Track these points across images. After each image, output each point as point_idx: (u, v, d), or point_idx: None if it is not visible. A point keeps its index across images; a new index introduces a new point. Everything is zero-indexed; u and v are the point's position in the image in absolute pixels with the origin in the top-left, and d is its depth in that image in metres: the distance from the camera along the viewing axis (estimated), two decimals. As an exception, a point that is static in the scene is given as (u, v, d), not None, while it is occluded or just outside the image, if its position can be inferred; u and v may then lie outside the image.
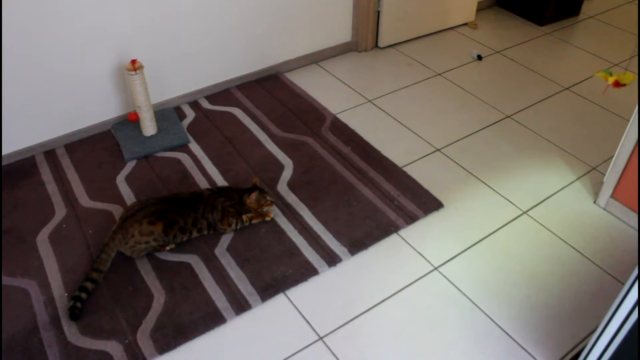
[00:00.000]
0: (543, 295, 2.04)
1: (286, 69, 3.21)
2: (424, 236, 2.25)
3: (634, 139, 2.21)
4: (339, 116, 2.87)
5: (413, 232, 2.26)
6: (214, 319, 1.91)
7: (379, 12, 3.33)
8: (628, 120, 2.88)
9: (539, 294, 2.05)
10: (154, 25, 2.61)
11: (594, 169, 2.60)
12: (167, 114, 2.80)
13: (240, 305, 1.95)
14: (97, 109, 2.66)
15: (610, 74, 2.07)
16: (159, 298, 1.97)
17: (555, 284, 2.08)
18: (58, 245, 2.15)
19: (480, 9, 3.93)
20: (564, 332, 1.93)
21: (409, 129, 2.81)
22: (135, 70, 2.45)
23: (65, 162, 2.53)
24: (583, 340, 1.90)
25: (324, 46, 3.32)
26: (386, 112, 2.92)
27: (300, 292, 2.02)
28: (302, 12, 3.08)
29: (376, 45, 3.49)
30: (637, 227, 2.30)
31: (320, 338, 1.89)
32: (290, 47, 3.18)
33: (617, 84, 2.05)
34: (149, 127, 2.64)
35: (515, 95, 3.10)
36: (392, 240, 2.22)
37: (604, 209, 2.39)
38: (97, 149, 2.62)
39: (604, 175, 2.47)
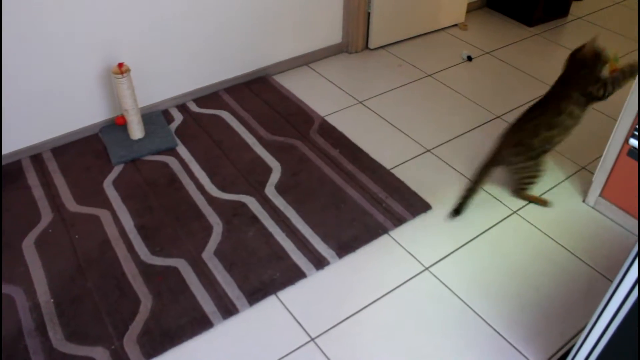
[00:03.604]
0: (533, 294, 2.04)
1: (276, 71, 3.20)
2: (415, 237, 2.24)
3: (621, 138, 2.21)
4: (328, 118, 2.86)
5: (403, 234, 2.25)
6: (202, 324, 1.89)
7: (369, 13, 3.33)
8: (616, 120, 2.87)
9: (529, 293, 2.04)
10: (142, 29, 2.59)
11: (583, 168, 2.60)
12: (155, 117, 2.78)
13: (228, 310, 1.93)
14: (84, 112, 2.65)
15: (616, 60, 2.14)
16: (146, 303, 1.95)
17: (545, 283, 2.08)
18: (44, 251, 2.13)
19: (470, 10, 3.93)
20: (554, 330, 1.92)
21: (400, 130, 2.80)
22: (122, 73, 2.44)
23: (52, 166, 2.51)
24: (573, 337, 1.90)
25: (314, 48, 3.31)
26: (376, 114, 2.92)
27: (289, 295, 2.01)
28: (292, 13, 3.07)
29: (366, 47, 3.49)
30: (625, 226, 2.30)
31: (312, 339, 1.88)
32: (280, 49, 3.17)
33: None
34: (136, 131, 2.63)
35: (505, 95, 3.10)
36: (382, 241, 2.21)
37: (593, 207, 2.39)
38: (84, 152, 2.60)
39: (593, 174, 2.47)
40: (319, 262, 2.10)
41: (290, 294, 2.02)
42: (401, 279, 2.08)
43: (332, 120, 2.85)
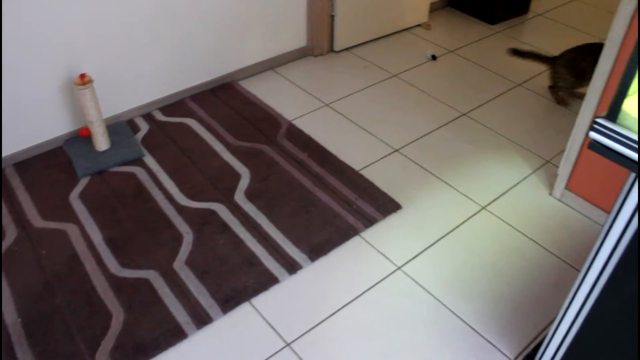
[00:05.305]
0: (505, 288, 2.06)
1: (242, 76, 3.19)
2: (386, 237, 2.25)
3: (583, 131, 2.26)
4: (295, 122, 2.86)
5: (374, 234, 2.25)
6: (175, 335, 1.87)
7: (333, 16, 3.34)
8: (577, 114, 2.94)
9: (501, 287, 2.06)
10: (103, 38, 2.56)
11: (548, 162, 2.64)
12: (120, 127, 2.74)
13: (202, 319, 1.91)
14: (46, 125, 2.59)
15: None
16: (118, 317, 1.92)
17: (516, 277, 2.10)
18: (10, 269, 2.08)
19: (433, 10, 3.97)
20: (527, 322, 1.95)
21: (367, 131, 2.81)
22: (84, 84, 2.40)
23: (15, 182, 2.45)
24: (545, 328, 1.93)
25: (279, 52, 3.30)
26: (343, 115, 2.92)
27: (263, 301, 2.00)
28: (256, 18, 3.06)
29: (332, 49, 3.49)
30: (591, 217, 2.35)
31: (288, 344, 1.87)
32: (245, 55, 3.15)
33: None
34: (101, 142, 2.59)
35: (469, 93, 3.13)
36: (353, 243, 2.22)
37: (559, 200, 2.43)
38: (48, 166, 2.55)
39: (558, 167, 2.52)
40: (292, 267, 2.09)
41: (263, 300, 2.00)
42: (374, 279, 2.09)
43: (300, 124, 2.84)
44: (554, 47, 3.57)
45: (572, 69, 2.86)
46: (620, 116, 1.11)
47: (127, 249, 2.16)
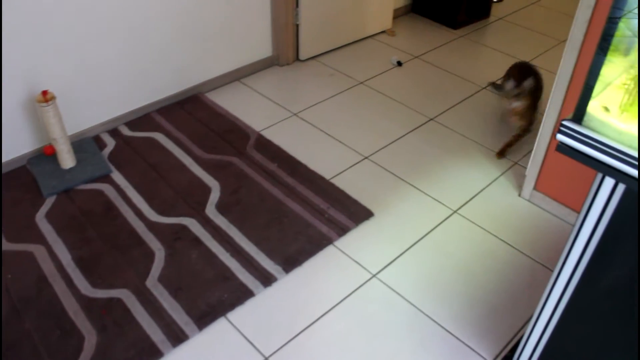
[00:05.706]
0: (480, 291, 2.08)
1: (208, 88, 3.16)
2: (359, 245, 2.25)
3: (548, 133, 2.30)
4: (264, 133, 2.84)
5: (347, 243, 2.25)
6: (151, 354, 1.83)
7: (297, 25, 3.34)
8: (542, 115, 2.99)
9: (476, 290, 2.08)
10: (65, 53, 2.51)
11: (516, 163, 2.68)
12: (86, 144, 2.69)
13: (177, 337, 1.88)
14: (8, 144, 2.53)
15: None
16: (90, 339, 1.88)
17: (491, 279, 2.12)
18: (-25, 295, 2.02)
19: (396, 16, 4.01)
20: (503, 323, 1.97)
21: (336, 139, 2.82)
22: (47, 101, 2.35)
23: (-22, 205, 2.39)
24: (521, 328, 1.95)
25: (245, 63, 3.29)
26: (312, 124, 2.92)
27: (239, 316, 1.98)
28: (220, 30, 3.05)
29: (297, 58, 3.49)
30: (560, 216, 2.39)
31: (266, 358, 1.85)
32: (211, 66, 3.13)
33: None
34: (67, 160, 2.53)
35: (436, 97, 3.17)
36: (327, 252, 2.21)
37: (529, 200, 2.47)
38: (12, 186, 2.48)
39: (526, 168, 2.56)
40: (266, 279, 2.08)
41: (239, 315, 1.98)
42: (350, 288, 2.08)
43: (268, 135, 2.83)
44: (516, 49, 3.64)
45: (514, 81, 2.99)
46: (586, 118, 1.13)
47: (97, 269, 2.11)
